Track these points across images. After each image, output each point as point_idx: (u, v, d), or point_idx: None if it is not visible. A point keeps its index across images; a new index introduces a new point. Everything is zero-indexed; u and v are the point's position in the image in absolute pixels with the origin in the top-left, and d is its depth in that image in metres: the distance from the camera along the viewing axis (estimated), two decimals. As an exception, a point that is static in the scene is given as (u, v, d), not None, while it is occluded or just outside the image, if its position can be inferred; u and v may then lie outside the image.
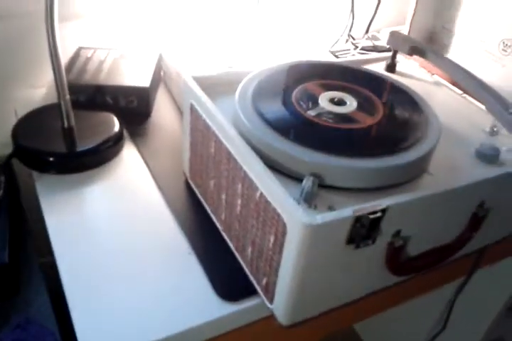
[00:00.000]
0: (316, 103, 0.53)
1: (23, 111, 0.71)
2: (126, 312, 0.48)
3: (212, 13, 0.88)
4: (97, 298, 0.49)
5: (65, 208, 0.59)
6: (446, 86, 0.68)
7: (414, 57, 0.66)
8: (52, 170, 0.64)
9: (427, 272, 0.53)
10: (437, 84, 0.68)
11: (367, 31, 1.03)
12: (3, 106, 0.80)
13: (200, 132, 0.55)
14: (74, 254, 0.53)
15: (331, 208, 0.44)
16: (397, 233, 0.46)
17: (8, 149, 0.66)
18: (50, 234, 0.56)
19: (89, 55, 0.80)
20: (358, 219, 0.41)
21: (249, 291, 0.50)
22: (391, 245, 0.46)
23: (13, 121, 0.69)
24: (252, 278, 0.51)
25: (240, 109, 0.51)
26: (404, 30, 0.76)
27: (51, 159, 0.64)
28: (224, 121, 0.49)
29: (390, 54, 0.69)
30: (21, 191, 0.72)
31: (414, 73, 0.70)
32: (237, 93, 0.53)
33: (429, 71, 0.70)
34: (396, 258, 0.48)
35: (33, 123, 0.69)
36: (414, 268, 0.51)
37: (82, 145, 0.66)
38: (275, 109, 0.52)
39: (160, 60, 0.83)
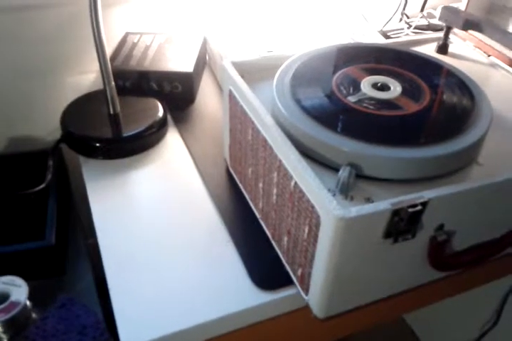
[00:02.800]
0: (357, 88, 0.51)
1: (72, 97, 0.73)
2: (164, 296, 0.49)
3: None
4: (136, 282, 0.50)
5: (109, 192, 0.61)
6: (504, 68, 0.63)
7: (470, 37, 0.61)
8: (98, 155, 0.66)
9: (473, 267, 0.50)
10: (494, 66, 0.63)
11: (422, 9, 0.98)
12: (53, 93, 0.83)
13: (238, 119, 0.55)
14: (116, 237, 0.55)
15: (368, 200, 0.42)
16: (440, 227, 0.43)
17: (57, 134, 0.69)
18: (94, 216, 0.57)
19: (135, 41, 0.81)
20: (396, 213, 0.39)
21: (286, 281, 0.50)
22: (433, 240, 0.44)
23: (63, 107, 0.71)
24: (288, 267, 0.50)
25: (277, 95, 0.50)
26: (461, 8, 0.71)
27: (97, 144, 0.66)
28: (260, 107, 0.48)
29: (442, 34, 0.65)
30: (69, 175, 0.75)
31: (468, 54, 0.65)
32: (274, 79, 0.52)
33: (485, 52, 0.65)
34: (439, 254, 0.45)
35: (81, 109, 0.71)
36: (459, 263, 0.48)
37: (127, 131, 0.67)
38: (313, 95, 0.50)
39: (204, 43, 0.82)
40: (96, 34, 0.62)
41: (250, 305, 0.49)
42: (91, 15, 0.61)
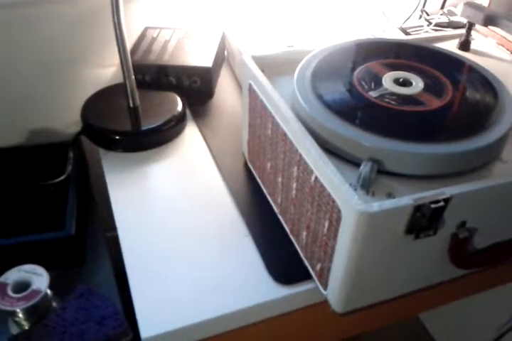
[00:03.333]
0: (379, 83, 0.50)
1: (93, 91, 0.73)
2: (182, 288, 0.50)
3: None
4: (155, 273, 0.51)
5: (129, 184, 0.62)
6: (528, 65, 0.62)
7: (492, 34, 0.61)
8: (118, 148, 0.67)
9: (495, 266, 0.49)
10: (517, 62, 0.63)
11: (442, 6, 0.96)
12: (74, 86, 0.83)
13: (258, 113, 0.55)
14: (135, 229, 0.55)
15: (389, 195, 0.42)
16: (462, 224, 0.43)
17: (76, 127, 0.69)
18: (114, 208, 0.58)
19: (154, 35, 0.82)
20: (418, 208, 0.39)
21: (303, 275, 0.50)
22: (455, 236, 0.44)
23: (83, 99, 0.72)
24: (306, 262, 0.50)
25: (297, 89, 0.50)
26: (484, 4, 0.71)
27: (117, 137, 0.66)
28: (281, 101, 0.48)
29: (464, 31, 0.64)
30: (89, 167, 0.76)
31: (490, 51, 0.64)
32: (295, 73, 0.52)
33: (507, 49, 0.65)
34: (460, 251, 0.45)
35: (101, 102, 0.71)
36: (481, 261, 0.48)
37: (146, 125, 0.68)
38: (334, 89, 0.50)
39: (223, 38, 0.83)
40: (117, 28, 0.63)
41: (268, 299, 0.49)
42: (112, 10, 0.61)
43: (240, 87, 0.80)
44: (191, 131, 0.71)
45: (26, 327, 0.49)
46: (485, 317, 1.04)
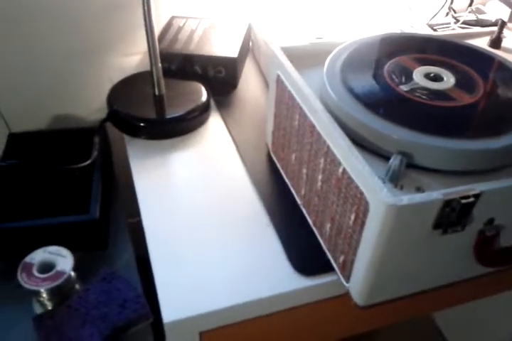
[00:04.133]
0: (409, 78, 0.50)
1: (118, 78, 0.74)
2: (204, 275, 0.50)
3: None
4: (178, 260, 0.51)
5: (153, 171, 0.62)
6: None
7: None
8: (143, 135, 0.67)
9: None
10: (549, 61, 0.62)
11: (470, 3, 0.95)
12: (99, 73, 0.84)
13: (285, 104, 0.55)
14: (158, 215, 0.56)
15: (418, 189, 0.42)
16: (490, 221, 0.43)
17: (103, 113, 0.70)
18: (138, 193, 0.58)
19: (181, 24, 0.82)
20: (447, 203, 0.39)
21: (325, 267, 0.50)
22: (482, 233, 0.43)
23: (108, 87, 0.73)
24: (329, 254, 0.50)
25: (327, 81, 0.50)
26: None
27: (142, 124, 0.67)
28: (310, 93, 0.48)
29: (495, 28, 0.63)
30: (113, 153, 0.76)
31: (522, 49, 0.63)
32: (325, 65, 0.52)
33: (541, 47, 0.64)
34: (486, 248, 0.45)
35: (126, 90, 0.72)
36: (506, 260, 0.47)
37: (170, 113, 0.68)
38: (365, 82, 0.50)
39: (249, 29, 0.82)
40: (146, 16, 0.63)
41: (288, 289, 0.49)
42: (143, -2, 0.61)
43: (264, 78, 0.80)
44: (215, 121, 0.71)
45: (49, 308, 0.50)
46: (500, 319, 1.03)
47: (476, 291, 0.61)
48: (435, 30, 0.90)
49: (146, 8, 0.62)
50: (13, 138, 0.68)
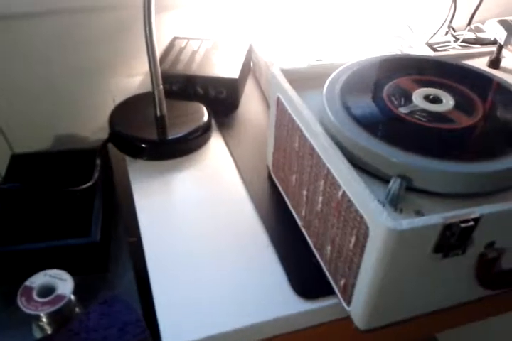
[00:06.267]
0: (409, 100, 0.50)
1: (121, 99, 0.75)
2: (203, 297, 0.50)
3: (303, 5, 0.87)
4: (178, 281, 0.51)
5: (154, 192, 0.62)
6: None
7: (524, 52, 0.60)
8: (144, 156, 0.68)
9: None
10: (548, 82, 0.62)
11: (470, 22, 0.96)
12: (102, 94, 0.85)
13: (285, 126, 0.55)
14: (159, 236, 0.56)
15: (418, 213, 0.42)
16: (491, 244, 0.43)
17: (105, 133, 0.70)
18: (138, 215, 0.59)
19: (183, 45, 0.83)
20: (448, 227, 0.39)
21: (326, 290, 0.49)
22: (483, 257, 0.43)
23: (110, 107, 0.73)
24: (329, 277, 0.50)
25: (326, 103, 0.50)
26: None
27: (143, 145, 0.67)
28: (309, 115, 0.49)
29: (494, 47, 0.64)
30: (115, 174, 0.77)
31: (521, 69, 0.64)
32: (324, 87, 0.52)
33: (539, 67, 0.64)
34: (488, 271, 0.44)
35: (128, 111, 0.73)
36: (508, 282, 0.47)
37: (172, 134, 0.69)
38: (364, 104, 0.50)
39: (250, 50, 0.83)
40: (148, 38, 0.64)
41: (288, 313, 0.49)
42: (144, 21, 0.62)
43: (264, 98, 0.80)
44: (216, 141, 0.71)
45: (49, 332, 0.50)
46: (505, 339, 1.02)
47: (480, 312, 0.61)
48: (435, 48, 0.90)
49: (147, 30, 0.63)
50: (15, 159, 0.68)
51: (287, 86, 0.53)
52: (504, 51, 0.64)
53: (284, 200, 0.60)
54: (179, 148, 0.68)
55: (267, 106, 0.78)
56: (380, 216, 0.38)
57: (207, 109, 0.73)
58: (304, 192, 0.53)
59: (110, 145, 0.70)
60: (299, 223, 0.56)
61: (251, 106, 0.79)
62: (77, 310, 0.52)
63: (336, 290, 0.48)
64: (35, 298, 0.49)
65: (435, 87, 0.52)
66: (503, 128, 0.48)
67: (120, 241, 0.62)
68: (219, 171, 0.66)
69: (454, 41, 0.93)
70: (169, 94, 0.73)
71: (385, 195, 0.43)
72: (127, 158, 0.68)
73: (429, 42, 0.92)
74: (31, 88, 0.82)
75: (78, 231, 0.58)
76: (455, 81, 0.53)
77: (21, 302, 0.49)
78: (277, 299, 0.50)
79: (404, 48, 0.79)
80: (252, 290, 0.51)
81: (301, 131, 0.50)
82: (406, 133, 0.47)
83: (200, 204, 0.61)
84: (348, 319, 0.46)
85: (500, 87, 0.54)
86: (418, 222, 0.38)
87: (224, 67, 0.77)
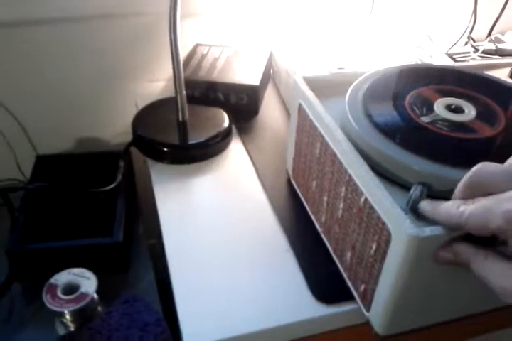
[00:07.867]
0: (430, 109, 0.51)
1: (142, 104, 0.76)
2: (223, 300, 0.50)
3: (325, 13, 0.88)
4: (198, 284, 0.52)
5: (175, 195, 0.63)
6: None
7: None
8: (166, 160, 0.69)
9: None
10: None
11: (490, 33, 0.97)
12: (125, 99, 0.87)
13: (306, 132, 0.56)
14: (180, 239, 0.57)
15: (439, 220, 0.42)
16: (511, 252, 0.43)
17: (128, 137, 0.72)
18: (160, 217, 0.60)
19: (204, 52, 0.84)
20: (468, 234, 0.39)
21: (345, 295, 0.50)
22: (503, 264, 0.43)
23: (133, 111, 0.75)
24: (349, 282, 0.50)
25: (349, 111, 0.51)
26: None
27: (165, 149, 0.69)
28: (331, 122, 0.49)
29: (516, 59, 0.64)
30: (136, 177, 0.78)
31: (543, 81, 0.64)
32: (347, 94, 0.53)
33: (561, 79, 0.64)
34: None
35: (151, 115, 0.74)
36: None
37: (193, 139, 0.70)
38: (386, 112, 0.51)
39: (270, 58, 0.85)
40: (173, 45, 0.65)
41: (307, 317, 0.49)
42: (169, 27, 0.63)
43: (284, 104, 0.81)
44: (236, 147, 0.72)
45: (72, 329, 0.51)
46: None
47: (509, 319, 0.60)
48: (454, 59, 0.91)
49: (172, 37, 0.65)
50: (41, 160, 0.70)
51: (309, 93, 0.54)
52: (526, 62, 0.65)
53: (303, 205, 0.60)
54: (200, 153, 0.70)
55: (286, 112, 0.79)
56: (402, 223, 0.39)
57: (227, 114, 0.74)
58: (325, 198, 0.53)
59: (132, 148, 0.72)
60: (319, 229, 0.57)
61: (270, 112, 0.80)
62: (99, 308, 0.53)
63: (356, 295, 0.49)
64: (60, 295, 0.50)
65: (457, 97, 0.52)
66: (525, 139, 0.48)
67: (140, 243, 0.63)
68: (239, 176, 0.67)
69: (474, 52, 0.94)
70: (191, 100, 0.74)
71: (405, 201, 0.43)
72: (149, 161, 0.69)
73: (449, 52, 0.93)
74: (56, 92, 0.84)
75: (101, 231, 0.59)
76: (477, 91, 0.54)
77: (46, 299, 0.50)
78: (296, 303, 0.50)
79: (424, 58, 0.79)
80: (271, 294, 0.51)
81: (322, 138, 0.51)
82: (428, 141, 0.47)
83: (220, 207, 0.62)
84: (366, 325, 0.46)
85: (522, 97, 0.54)
86: (440, 229, 0.38)
87: (245, 73, 0.78)
